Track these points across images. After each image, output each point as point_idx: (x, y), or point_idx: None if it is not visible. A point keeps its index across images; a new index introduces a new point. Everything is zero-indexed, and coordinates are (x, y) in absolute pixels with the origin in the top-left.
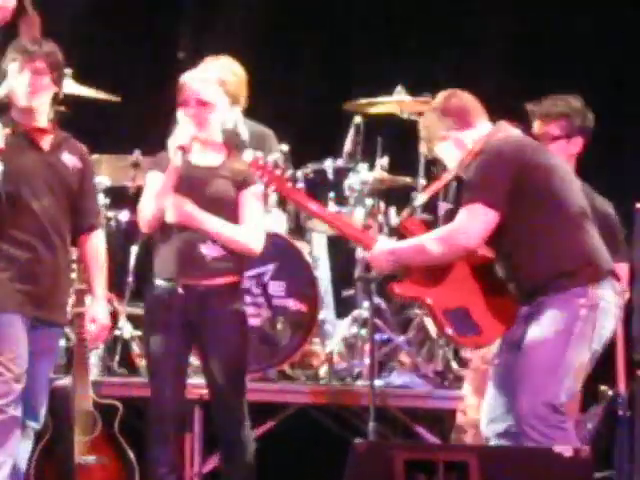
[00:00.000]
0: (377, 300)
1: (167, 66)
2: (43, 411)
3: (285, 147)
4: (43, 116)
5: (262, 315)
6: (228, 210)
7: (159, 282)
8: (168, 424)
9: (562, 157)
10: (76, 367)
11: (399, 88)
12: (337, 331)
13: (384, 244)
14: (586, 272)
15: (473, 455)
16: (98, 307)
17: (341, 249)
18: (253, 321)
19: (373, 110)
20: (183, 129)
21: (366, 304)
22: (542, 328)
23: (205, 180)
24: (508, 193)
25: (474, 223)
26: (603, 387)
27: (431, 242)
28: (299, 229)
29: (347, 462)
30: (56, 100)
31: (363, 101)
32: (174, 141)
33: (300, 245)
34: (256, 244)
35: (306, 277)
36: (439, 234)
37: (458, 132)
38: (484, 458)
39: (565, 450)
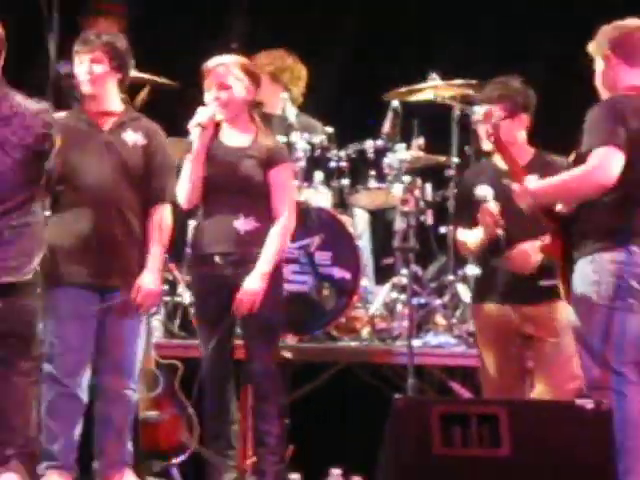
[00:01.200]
0: (414, 268)
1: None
2: (135, 373)
3: (330, 129)
4: (107, 100)
5: (309, 282)
6: (256, 189)
7: (199, 253)
8: (220, 381)
9: (510, 137)
10: None
11: (433, 75)
12: (378, 296)
13: (530, 183)
14: None
15: (503, 409)
16: (144, 277)
17: (382, 222)
18: (301, 288)
19: (410, 98)
20: (203, 109)
21: (404, 271)
22: None
23: (234, 161)
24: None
25: (610, 162)
26: None
27: (571, 180)
28: (343, 204)
29: (388, 416)
30: (122, 86)
31: (402, 90)
32: (193, 121)
33: (344, 218)
34: (290, 225)
35: (349, 247)
36: (578, 173)
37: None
38: (513, 411)
39: (587, 403)
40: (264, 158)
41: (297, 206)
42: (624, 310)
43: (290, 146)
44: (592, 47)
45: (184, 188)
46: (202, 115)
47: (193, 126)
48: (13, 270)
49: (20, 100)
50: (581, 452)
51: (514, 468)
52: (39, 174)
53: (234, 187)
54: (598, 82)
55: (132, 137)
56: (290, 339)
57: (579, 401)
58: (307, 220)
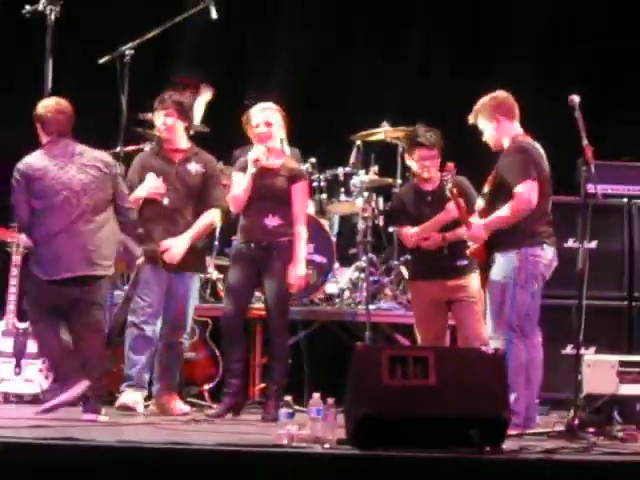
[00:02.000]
0: (370, 255)
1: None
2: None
3: (313, 159)
4: (177, 141)
5: None
6: (284, 197)
7: (240, 241)
8: (236, 332)
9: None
10: None
11: (384, 123)
12: (345, 275)
13: (479, 222)
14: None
15: (431, 352)
16: (176, 240)
17: (348, 224)
18: None
19: (368, 138)
20: (257, 148)
21: (364, 258)
22: None
23: (270, 178)
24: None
25: (532, 192)
26: None
27: (512, 214)
28: (323, 211)
29: (351, 358)
30: (187, 130)
31: (363, 133)
32: (251, 155)
33: (323, 221)
34: (304, 219)
35: (326, 241)
36: (514, 206)
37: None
38: (438, 354)
39: (488, 350)
40: (290, 176)
41: None
42: (529, 291)
43: None
44: (478, 115)
45: (238, 199)
46: (257, 153)
47: (252, 160)
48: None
49: (89, 151)
50: (484, 383)
51: (438, 393)
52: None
53: (270, 197)
54: (490, 137)
55: (195, 167)
56: None
57: (484, 348)
58: None
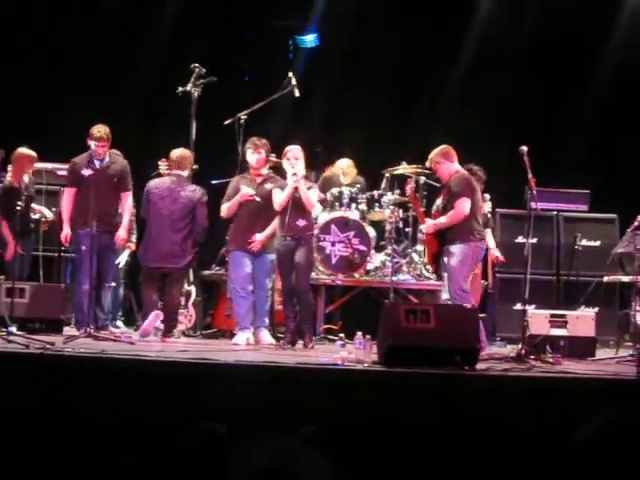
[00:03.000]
0: (394, 246)
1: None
2: None
3: (362, 179)
4: (261, 170)
5: (349, 250)
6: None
7: (282, 236)
8: (290, 297)
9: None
10: None
11: (403, 162)
12: (377, 258)
13: (430, 222)
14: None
15: (432, 307)
16: (259, 235)
17: (380, 226)
18: (345, 253)
19: (394, 172)
20: (295, 170)
21: (389, 247)
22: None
23: (299, 192)
24: None
25: (466, 205)
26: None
27: (452, 219)
28: (364, 218)
29: (381, 311)
30: (267, 162)
31: (389, 169)
32: (292, 172)
33: (364, 223)
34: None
35: (366, 236)
36: (452, 214)
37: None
38: (436, 308)
39: (467, 306)
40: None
41: (342, 218)
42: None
43: (342, 192)
44: (431, 161)
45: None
46: (299, 171)
47: (292, 176)
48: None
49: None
50: (464, 326)
51: (435, 332)
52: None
53: (297, 201)
54: (442, 172)
55: (269, 187)
56: (341, 277)
57: (464, 305)
58: (348, 224)
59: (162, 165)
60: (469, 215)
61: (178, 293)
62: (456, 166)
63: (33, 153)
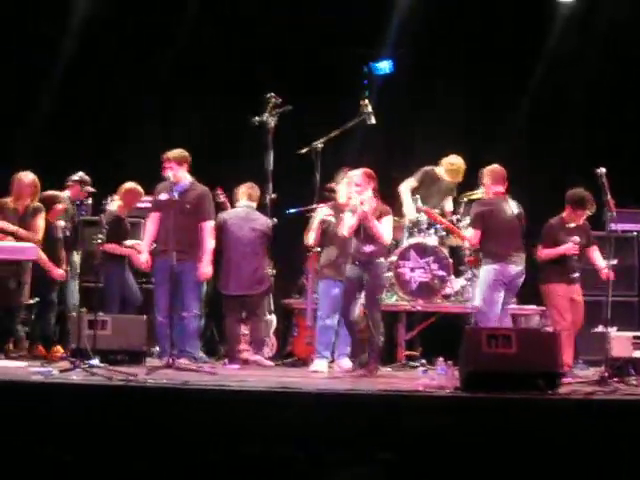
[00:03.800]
0: (474, 270)
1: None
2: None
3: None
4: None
5: (428, 276)
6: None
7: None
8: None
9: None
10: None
11: (481, 187)
12: (457, 283)
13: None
14: None
15: (513, 332)
16: None
17: (459, 251)
18: (425, 278)
19: (471, 197)
20: (362, 198)
21: (469, 272)
22: None
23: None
24: None
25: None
26: None
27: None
28: (442, 243)
29: (463, 335)
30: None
31: (467, 193)
32: (358, 200)
33: (443, 249)
34: (387, 241)
35: (444, 261)
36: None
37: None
38: (517, 333)
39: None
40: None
41: (421, 244)
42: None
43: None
44: (482, 179)
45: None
46: (365, 199)
47: (362, 210)
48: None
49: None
50: (546, 351)
51: (517, 357)
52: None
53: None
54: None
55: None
56: (421, 302)
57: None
58: (427, 249)
59: (220, 195)
60: (484, 239)
61: (263, 315)
62: (494, 188)
63: (141, 189)
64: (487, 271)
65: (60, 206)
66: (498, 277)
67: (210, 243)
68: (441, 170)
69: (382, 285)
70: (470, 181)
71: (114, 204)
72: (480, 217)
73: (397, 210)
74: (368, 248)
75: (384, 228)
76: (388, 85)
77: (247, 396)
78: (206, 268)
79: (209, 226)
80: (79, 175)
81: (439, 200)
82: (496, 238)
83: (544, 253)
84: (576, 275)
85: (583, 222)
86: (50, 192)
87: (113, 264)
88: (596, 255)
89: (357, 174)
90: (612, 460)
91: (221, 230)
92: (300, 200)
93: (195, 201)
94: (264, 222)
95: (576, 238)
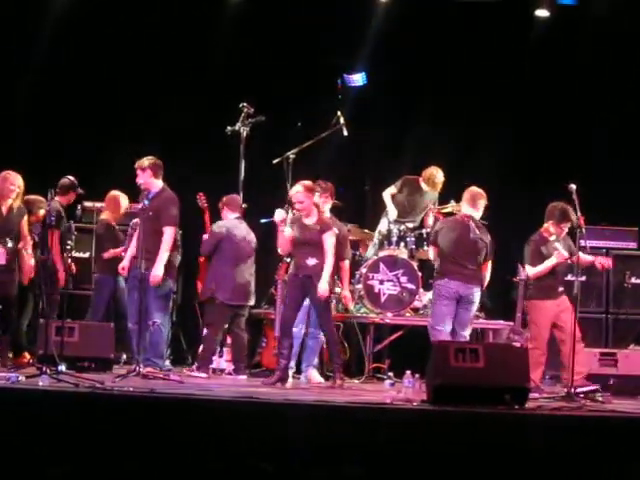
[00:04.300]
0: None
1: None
2: None
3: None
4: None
5: (397, 289)
6: (320, 243)
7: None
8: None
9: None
10: None
11: (452, 201)
12: (426, 296)
13: None
14: None
15: (481, 346)
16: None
17: (429, 264)
18: (394, 291)
19: (442, 211)
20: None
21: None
22: None
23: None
24: None
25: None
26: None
27: None
28: (412, 256)
29: (431, 349)
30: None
31: (438, 207)
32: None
33: (412, 262)
34: (331, 262)
35: (415, 275)
36: None
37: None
38: (485, 347)
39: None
40: (321, 229)
41: (391, 257)
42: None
43: (390, 231)
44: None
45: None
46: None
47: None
48: None
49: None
50: (514, 365)
51: (484, 371)
52: None
53: (307, 244)
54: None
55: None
56: (389, 315)
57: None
58: (397, 262)
59: (202, 200)
60: (437, 257)
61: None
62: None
63: (123, 197)
64: (434, 287)
65: (42, 212)
66: (442, 292)
67: (165, 249)
68: (422, 181)
69: (328, 297)
70: (442, 197)
71: (106, 212)
72: (434, 235)
73: (369, 223)
74: (311, 262)
75: (326, 244)
76: (362, 98)
77: (213, 405)
78: (156, 271)
79: (168, 232)
80: (70, 179)
81: (420, 210)
82: (448, 255)
83: (535, 271)
84: (561, 289)
85: (564, 235)
86: (34, 196)
87: (105, 274)
88: (583, 256)
89: (298, 191)
90: (578, 475)
91: (223, 239)
92: (271, 210)
93: (157, 207)
94: (253, 235)
95: (561, 249)
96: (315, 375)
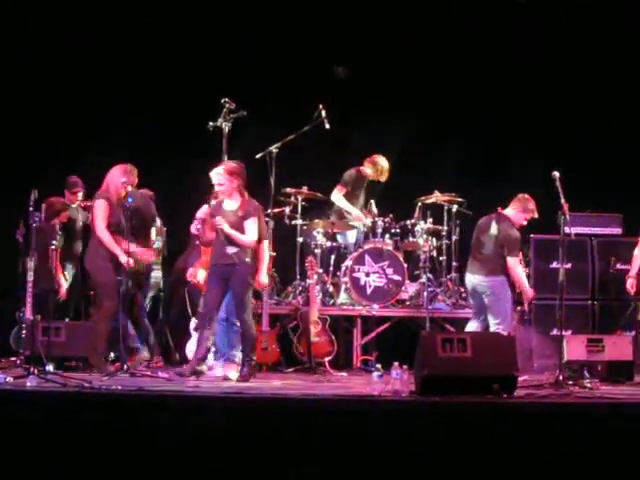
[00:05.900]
0: (428, 274)
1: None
2: None
3: (391, 215)
4: None
5: (383, 281)
6: (241, 229)
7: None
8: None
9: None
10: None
11: (436, 191)
12: (412, 287)
13: None
14: None
15: (468, 336)
16: None
17: (414, 255)
18: (380, 282)
19: (426, 201)
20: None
21: (424, 276)
22: None
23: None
24: None
25: None
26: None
27: None
28: (397, 247)
29: (418, 340)
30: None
31: (422, 198)
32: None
33: (398, 254)
34: (251, 244)
35: (400, 266)
36: None
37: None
38: (472, 337)
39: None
40: (242, 215)
41: (377, 248)
42: None
43: (375, 224)
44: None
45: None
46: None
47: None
48: None
49: None
50: (501, 354)
51: (472, 361)
52: None
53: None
54: None
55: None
56: (376, 307)
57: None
58: (383, 254)
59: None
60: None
61: None
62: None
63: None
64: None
65: (67, 214)
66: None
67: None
68: (366, 169)
69: (247, 286)
70: (426, 187)
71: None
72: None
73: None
74: (231, 250)
75: (247, 230)
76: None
77: (204, 402)
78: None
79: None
80: (74, 179)
81: (366, 199)
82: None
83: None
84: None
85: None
86: (55, 198)
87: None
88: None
89: (218, 172)
90: (567, 463)
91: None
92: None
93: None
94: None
95: None
96: (232, 372)
